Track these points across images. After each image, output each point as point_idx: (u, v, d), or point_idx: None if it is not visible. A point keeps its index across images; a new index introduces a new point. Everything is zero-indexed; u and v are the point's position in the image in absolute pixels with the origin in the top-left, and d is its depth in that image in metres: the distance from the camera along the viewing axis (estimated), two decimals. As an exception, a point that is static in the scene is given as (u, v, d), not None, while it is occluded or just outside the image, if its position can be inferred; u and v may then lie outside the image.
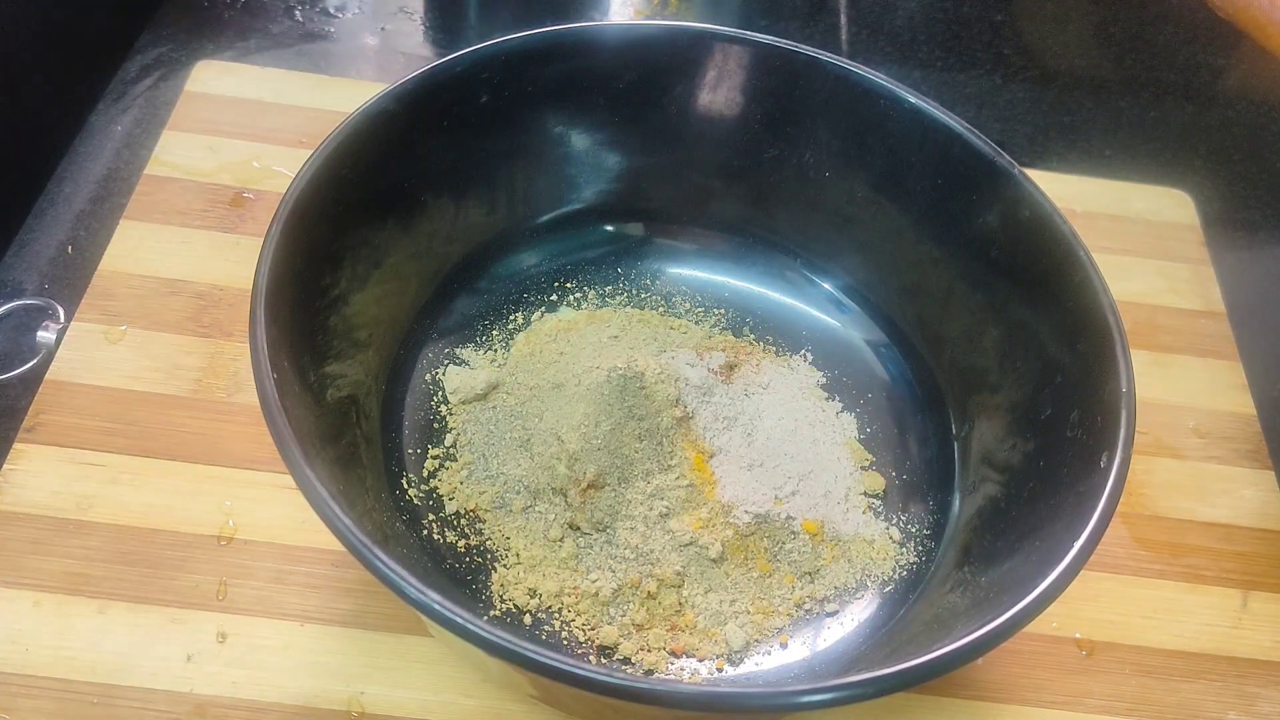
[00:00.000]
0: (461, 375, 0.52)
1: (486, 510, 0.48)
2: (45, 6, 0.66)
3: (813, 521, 0.49)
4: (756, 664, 0.46)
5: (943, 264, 0.53)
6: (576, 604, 0.46)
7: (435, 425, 0.51)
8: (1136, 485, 0.56)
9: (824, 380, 0.55)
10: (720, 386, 0.52)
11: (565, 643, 0.45)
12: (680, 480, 0.49)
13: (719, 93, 0.55)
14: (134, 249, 0.58)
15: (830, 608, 0.48)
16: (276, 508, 0.50)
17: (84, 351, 0.54)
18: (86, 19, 0.71)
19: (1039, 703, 0.49)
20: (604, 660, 0.45)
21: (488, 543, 0.48)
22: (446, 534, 0.48)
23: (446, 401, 0.52)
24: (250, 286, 0.40)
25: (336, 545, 0.35)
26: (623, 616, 0.46)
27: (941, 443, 0.53)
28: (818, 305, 0.58)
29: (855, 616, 0.47)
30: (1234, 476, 0.58)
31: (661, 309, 0.57)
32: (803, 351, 0.57)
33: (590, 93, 0.54)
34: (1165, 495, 0.56)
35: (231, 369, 0.54)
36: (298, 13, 0.78)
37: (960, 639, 0.35)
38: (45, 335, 0.55)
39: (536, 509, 0.48)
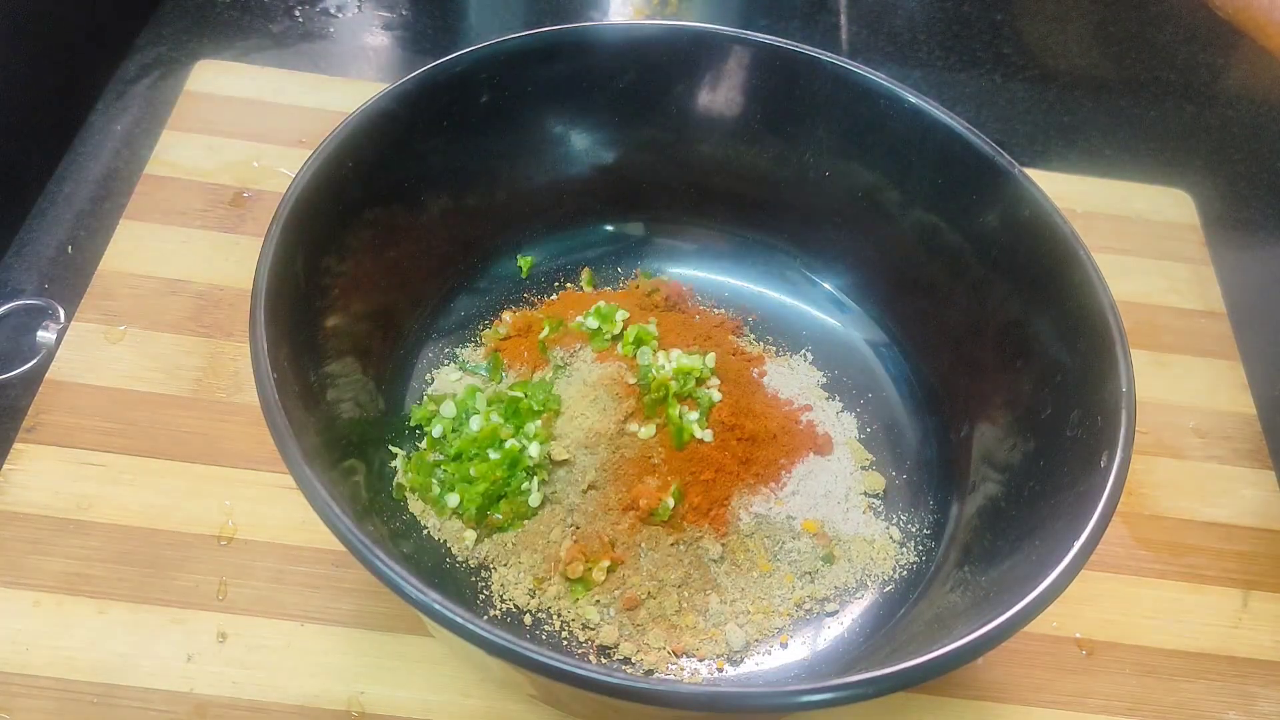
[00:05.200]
0: (450, 378, 0.52)
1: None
2: (45, 6, 0.66)
3: (813, 521, 0.49)
4: (756, 664, 0.46)
5: (943, 264, 0.53)
6: (576, 604, 0.46)
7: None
8: (1136, 485, 0.56)
9: (824, 380, 0.55)
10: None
11: (565, 643, 0.45)
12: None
13: (719, 92, 0.55)
14: (134, 249, 0.58)
15: (830, 608, 0.48)
16: (276, 508, 0.50)
17: (84, 351, 0.54)
18: (86, 19, 0.71)
19: (1039, 703, 0.49)
20: (604, 660, 0.45)
21: (488, 543, 0.48)
22: (446, 534, 0.48)
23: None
24: (250, 286, 0.40)
25: (336, 545, 0.35)
26: (623, 616, 0.46)
27: (941, 443, 0.53)
28: (818, 305, 0.58)
29: (855, 616, 0.47)
30: (1234, 476, 0.58)
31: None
32: (803, 351, 0.57)
33: (590, 92, 0.54)
34: (1165, 495, 0.56)
35: (231, 369, 0.54)
36: (298, 13, 0.78)
37: (960, 639, 0.35)
38: (45, 335, 0.55)
39: (537, 510, 0.48)
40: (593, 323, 0.53)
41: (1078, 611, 0.51)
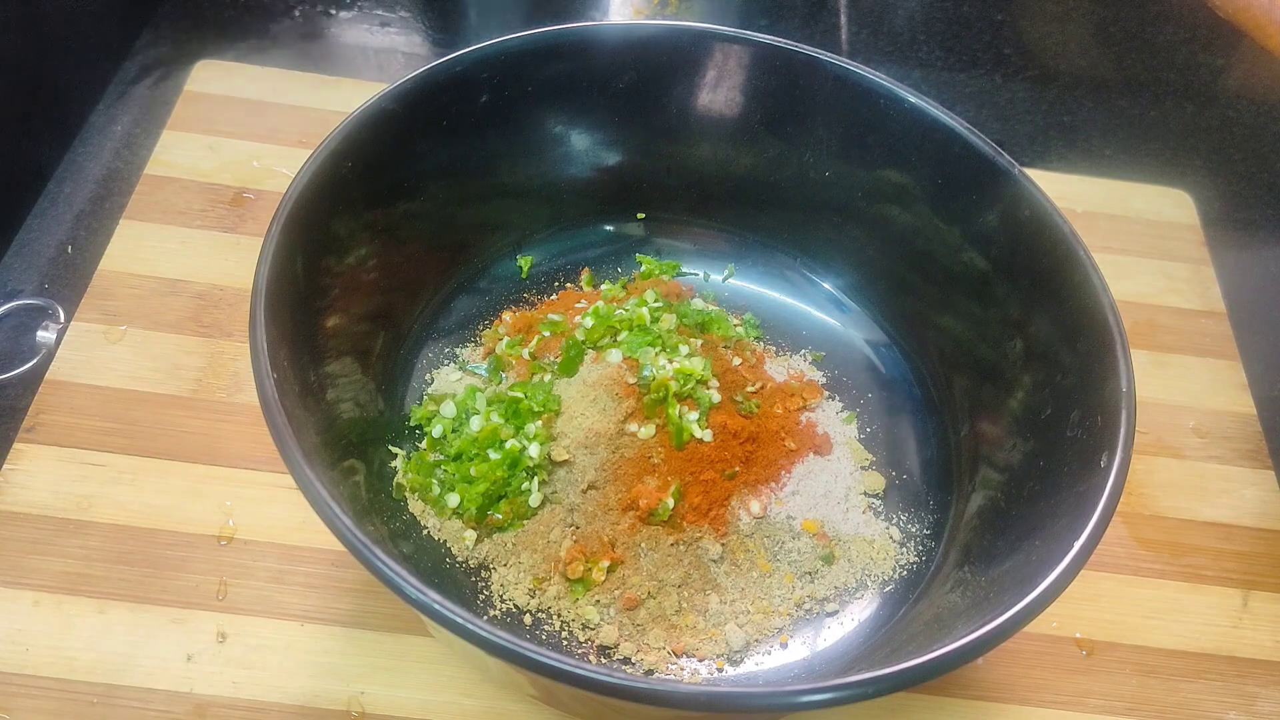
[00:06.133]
0: (450, 378, 0.52)
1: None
2: (46, 6, 0.66)
3: (813, 521, 0.49)
4: (756, 664, 0.46)
5: (942, 264, 0.53)
6: (576, 604, 0.46)
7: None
8: (1136, 485, 0.56)
9: (824, 380, 0.55)
10: (720, 386, 0.52)
11: (565, 643, 0.45)
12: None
13: (719, 93, 0.55)
14: (134, 249, 0.58)
15: (830, 608, 0.48)
16: (276, 508, 0.50)
17: (84, 351, 0.54)
18: (87, 19, 0.71)
19: (1039, 703, 0.49)
20: (604, 660, 0.45)
21: (488, 543, 0.48)
22: (446, 534, 0.48)
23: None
24: (250, 286, 0.40)
25: (336, 545, 0.35)
26: (623, 616, 0.46)
27: (941, 443, 0.53)
28: (818, 305, 0.58)
29: (855, 616, 0.47)
30: (1234, 476, 0.58)
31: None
32: (803, 351, 0.57)
33: (590, 93, 0.54)
34: (1165, 495, 0.56)
35: (231, 369, 0.54)
36: (297, 13, 0.78)
37: (960, 639, 0.35)
38: (45, 335, 0.55)
39: (537, 510, 0.48)
40: (589, 322, 0.53)
41: (1078, 611, 0.51)
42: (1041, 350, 0.48)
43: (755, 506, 0.49)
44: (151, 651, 0.45)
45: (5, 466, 0.50)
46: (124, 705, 0.44)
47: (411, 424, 0.51)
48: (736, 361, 0.54)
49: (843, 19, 0.84)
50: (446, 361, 0.54)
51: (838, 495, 0.51)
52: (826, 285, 0.59)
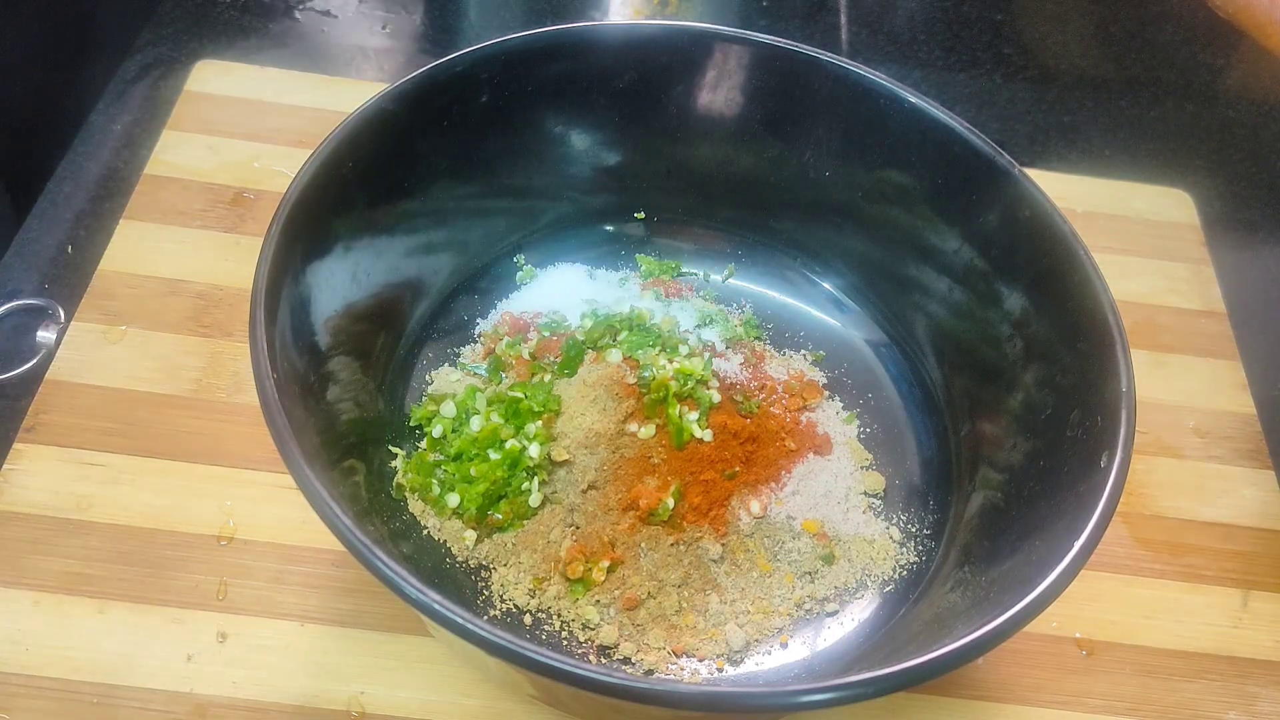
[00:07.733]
0: (450, 378, 0.52)
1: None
2: (46, 6, 0.66)
3: (813, 521, 0.49)
4: (757, 664, 0.46)
5: (942, 263, 0.53)
6: (576, 604, 0.46)
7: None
8: (1136, 485, 0.56)
9: (824, 380, 0.55)
10: (720, 386, 0.52)
11: (565, 643, 0.45)
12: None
13: (719, 92, 0.55)
14: (134, 249, 0.58)
15: (830, 608, 0.48)
16: (276, 508, 0.50)
17: (84, 351, 0.54)
18: (86, 19, 0.71)
19: (1039, 702, 0.49)
20: (604, 660, 0.45)
21: (488, 543, 0.48)
22: (446, 534, 0.48)
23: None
24: (250, 286, 0.40)
25: (336, 545, 0.35)
26: (623, 616, 0.46)
27: (941, 443, 0.53)
28: (818, 305, 0.58)
29: (855, 616, 0.47)
30: (1234, 476, 0.58)
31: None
32: (803, 351, 0.57)
33: (590, 92, 0.54)
34: (1165, 495, 0.56)
35: (231, 369, 0.54)
36: (297, 13, 0.78)
37: (960, 639, 0.35)
38: (45, 335, 0.55)
39: (537, 510, 0.48)
40: (586, 324, 0.53)
41: (1078, 611, 0.51)
42: (1041, 350, 0.48)
43: (755, 506, 0.49)
44: (151, 651, 0.45)
45: (5, 466, 0.50)
46: (124, 705, 0.44)
47: (411, 424, 0.51)
48: (737, 360, 0.54)
49: (843, 19, 0.84)
50: (446, 362, 0.54)
51: (838, 495, 0.51)
52: (826, 285, 0.59)
